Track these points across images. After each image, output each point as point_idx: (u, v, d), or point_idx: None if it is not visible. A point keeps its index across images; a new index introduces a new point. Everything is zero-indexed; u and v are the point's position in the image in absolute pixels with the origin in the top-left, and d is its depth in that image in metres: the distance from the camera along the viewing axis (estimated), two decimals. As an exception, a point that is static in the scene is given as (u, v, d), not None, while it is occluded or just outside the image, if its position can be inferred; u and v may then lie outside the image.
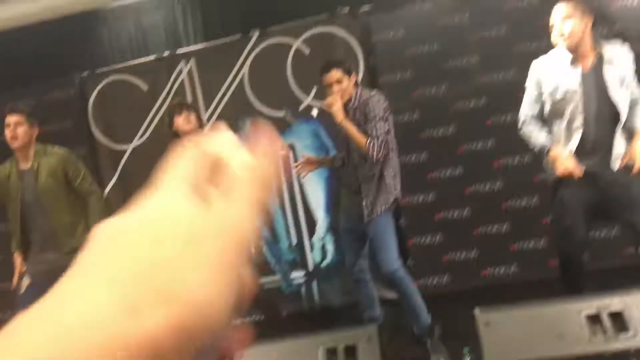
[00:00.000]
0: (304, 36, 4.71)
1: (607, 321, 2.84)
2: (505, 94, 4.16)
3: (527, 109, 3.29)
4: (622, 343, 2.79)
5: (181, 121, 3.58)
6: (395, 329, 3.72)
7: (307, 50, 4.71)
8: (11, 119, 3.50)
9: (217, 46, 4.84)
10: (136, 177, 4.43)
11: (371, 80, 4.59)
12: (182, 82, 4.86)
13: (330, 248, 4.72)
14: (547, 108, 3.21)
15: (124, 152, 4.91)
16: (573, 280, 3.35)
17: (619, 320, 2.84)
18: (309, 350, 3.24)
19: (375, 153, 3.27)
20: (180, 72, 4.86)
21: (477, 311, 3.12)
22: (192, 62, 4.86)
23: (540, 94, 3.22)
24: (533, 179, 4.19)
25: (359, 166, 3.47)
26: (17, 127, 3.49)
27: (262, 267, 4.54)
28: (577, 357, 2.83)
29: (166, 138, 3.62)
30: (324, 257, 4.73)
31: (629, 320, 2.81)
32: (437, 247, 4.56)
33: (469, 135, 4.51)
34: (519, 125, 3.33)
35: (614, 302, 2.90)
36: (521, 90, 3.34)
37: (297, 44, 4.72)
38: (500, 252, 4.48)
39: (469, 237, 4.52)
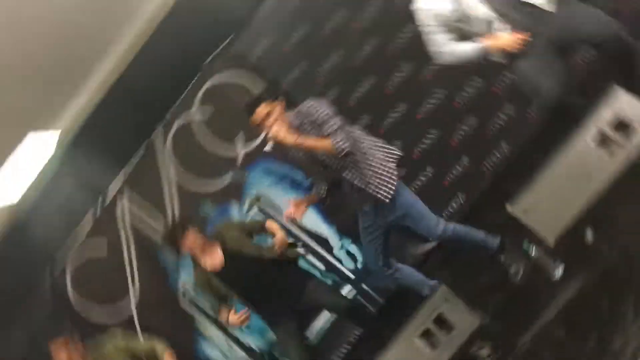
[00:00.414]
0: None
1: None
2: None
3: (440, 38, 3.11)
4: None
5: None
6: (458, 274, 3.74)
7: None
8: None
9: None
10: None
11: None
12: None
13: (353, 249, 4.73)
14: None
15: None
16: None
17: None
18: (408, 345, 3.26)
19: (343, 145, 3.20)
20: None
21: (508, 207, 3.18)
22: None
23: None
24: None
25: (342, 167, 3.37)
26: None
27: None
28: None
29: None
30: (354, 259, 4.74)
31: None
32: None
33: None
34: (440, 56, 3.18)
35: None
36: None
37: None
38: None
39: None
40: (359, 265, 4.73)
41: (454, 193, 4.64)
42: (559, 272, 3.17)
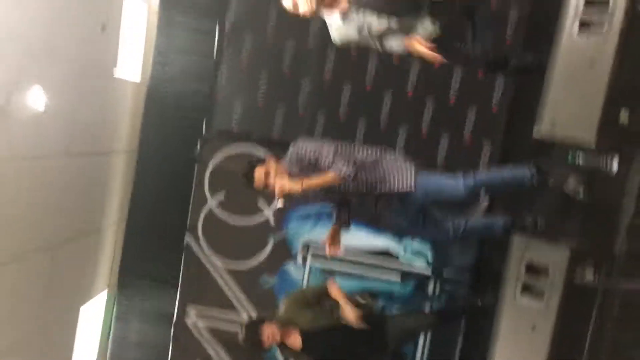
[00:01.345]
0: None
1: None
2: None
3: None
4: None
5: None
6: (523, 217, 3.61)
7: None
8: None
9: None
10: None
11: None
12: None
13: (417, 246, 4.65)
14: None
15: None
16: None
17: None
18: (515, 308, 3.15)
19: (346, 172, 3.19)
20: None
21: (535, 132, 3.10)
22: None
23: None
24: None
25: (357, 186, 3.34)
26: None
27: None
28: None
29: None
30: (423, 255, 4.65)
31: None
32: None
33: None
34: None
35: None
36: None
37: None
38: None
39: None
40: (430, 259, 4.63)
41: (479, 145, 4.55)
42: (615, 164, 3.05)
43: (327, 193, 3.41)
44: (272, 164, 3.27)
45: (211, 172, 4.79)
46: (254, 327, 3.61)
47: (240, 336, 3.66)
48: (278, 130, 4.72)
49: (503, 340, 3.09)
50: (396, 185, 3.32)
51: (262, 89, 4.76)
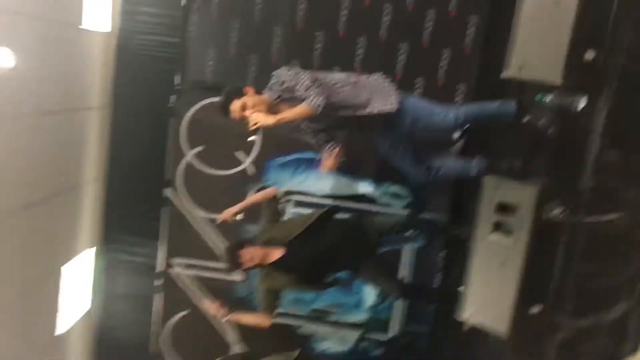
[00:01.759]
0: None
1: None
2: None
3: None
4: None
5: None
6: (495, 157, 3.70)
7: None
8: None
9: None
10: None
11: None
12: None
13: (394, 189, 4.74)
14: None
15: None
16: None
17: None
18: (486, 245, 3.27)
19: (317, 102, 3.17)
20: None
21: (504, 74, 3.13)
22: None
23: None
24: None
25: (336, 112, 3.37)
26: None
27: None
28: None
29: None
30: (400, 197, 4.75)
31: None
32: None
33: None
34: None
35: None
36: None
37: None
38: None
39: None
40: (408, 200, 4.73)
41: (453, 87, 4.58)
42: (581, 103, 3.11)
43: (313, 131, 3.51)
44: (249, 97, 3.29)
45: (187, 124, 4.78)
46: (233, 250, 3.67)
47: (224, 262, 3.73)
48: (252, 80, 4.69)
49: (475, 276, 3.22)
50: (377, 106, 3.36)
51: (234, 38, 4.70)
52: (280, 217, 3.99)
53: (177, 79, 4.78)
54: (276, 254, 3.71)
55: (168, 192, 4.88)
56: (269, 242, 3.76)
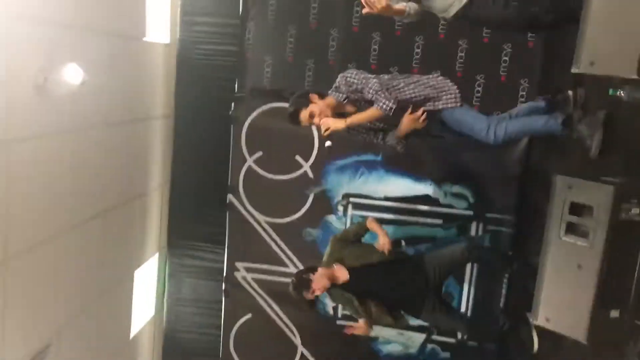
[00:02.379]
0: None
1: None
2: None
3: None
4: None
5: None
6: (564, 159, 3.56)
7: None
8: None
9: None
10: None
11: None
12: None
13: (456, 189, 4.65)
14: None
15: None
16: None
17: None
18: (560, 247, 3.15)
19: (388, 105, 3.21)
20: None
21: (573, 69, 3.01)
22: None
23: None
24: None
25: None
26: None
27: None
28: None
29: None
30: (464, 197, 4.65)
31: None
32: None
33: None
34: None
35: None
36: None
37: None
38: None
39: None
40: (472, 199, 4.63)
41: (516, 82, 4.45)
42: (659, 96, 2.95)
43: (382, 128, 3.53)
44: (315, 105, 3.36)
45: (247, 131, 4.84)
46: (303, 276, 3.70)
47: (291, 287, 3.74)
48: (310, 84, 4.69)
49: (549, 281, 3.10)
50: (441, 103, 3.37)
51: (291, 44, 4.72)
52: (359, 239, 3.97)
53: (236, 87, 4.84)
54: (340, 275, 3.72)
55: (231, 197, 4.95)
56: (335, 261, 3.79)
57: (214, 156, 4.99)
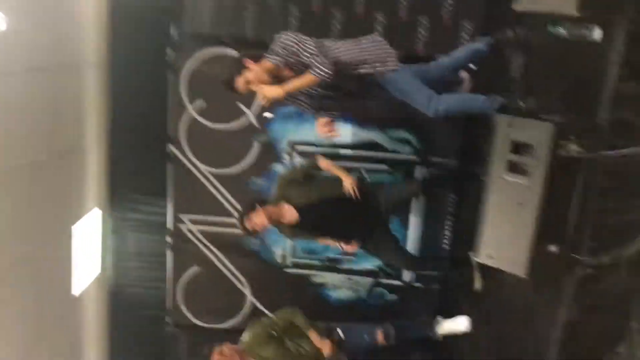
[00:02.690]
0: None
1: None
2: None
3: None
4: None
5: None
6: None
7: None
8: None
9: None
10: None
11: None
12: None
13: (401, 134, 4.66)
14: None
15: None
16: None
17: None
18: (502, 185, 3.20)
19: (324, 71, 3.22)
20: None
21: (515, 6, 2.99)
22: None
23: None
24: None
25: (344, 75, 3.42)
26: None
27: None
28: None
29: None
30: (408, 142, 4.66)
31: None
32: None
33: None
34: None
35: None
36: None
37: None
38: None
39: None
40: (416, 145, 4.65)
41: (457, 25, 4.41)
42: (597, 32, 2.97)
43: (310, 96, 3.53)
44: (251, 71, 3.32)
45: (187, 78, 4.65)
46: (244, 218, 3.77)
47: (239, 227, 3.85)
48: (250, 30, 4.52)
49: (491, 220, 3.17)
50: (378, 65, 3.42)
51: (230, -14, 4.51)
52: (308, 178, 3.99)
53: (173, 31, 4.62)
54: (289, 215, 3.79)
55: (172, 148, 4.80)
56: (282, 199, 3.83)
57: (152, 106, 4.79)
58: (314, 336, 4.02)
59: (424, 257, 4.74)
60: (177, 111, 4.72)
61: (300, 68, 3.33)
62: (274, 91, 3.29)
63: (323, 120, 3.71)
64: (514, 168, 3.11)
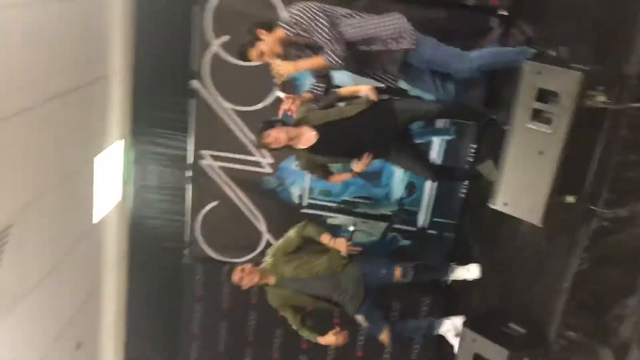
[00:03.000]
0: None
1: None
2: None
3: None
4: None
5: None
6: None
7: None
8: None
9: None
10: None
11: None
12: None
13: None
14: None
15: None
16: None
17: None
18: (525, 133, 3.19)
19: (337, 55, 3.27)
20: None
21: None
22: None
23: None
24: None
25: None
26: None
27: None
28: None
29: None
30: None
31: None
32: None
33: None
34: None
35: None
36: None
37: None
38: None
39: None
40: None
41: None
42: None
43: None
44: (263, 42, 3.42)
45: (213, 13, 4.61)
46: (263, 129, 3.73)
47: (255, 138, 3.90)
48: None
49: (510, 165, 3.17)
50: (395, 45, 3.43)
51: None
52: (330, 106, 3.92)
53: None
54: (307, 136, 3.72)
55: (195, 83, 4.81)
56: (302, 123, 3.76)
57: (177, 40, 4.76)
58: (326, 239, 4.09)
59: (448, 167, 4.63)
60: (201, 46, 4.70)
61: (312, 42, 3.36)
62: (286, 68, 3.38)
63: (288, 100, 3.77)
64: (537, 116, 3.08)
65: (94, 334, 5.35)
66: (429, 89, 3.83)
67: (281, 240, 4.24)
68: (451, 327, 4.43)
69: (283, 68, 3.39)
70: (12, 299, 3.81)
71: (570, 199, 3.15)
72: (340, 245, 4.04)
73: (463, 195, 4.76)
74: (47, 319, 4.38)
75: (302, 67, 3.40)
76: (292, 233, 4.23)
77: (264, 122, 3.79)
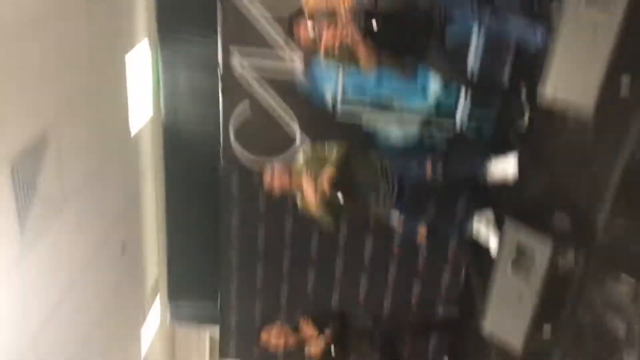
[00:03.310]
0: None
1: None
2: None
3: None
4: None
5: None
6: None
7: None
8: None
9: None
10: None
11: None
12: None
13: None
14: None
15: None
16: None
17: None
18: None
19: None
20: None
21: None
22: None
23: None
24: None
25: None
26: None
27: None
28: None
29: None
30: None
31: None
32: None
33: None
34: None
35: None
36: None
37: None
38: None
39: None
40: None
41: None
42: None
43: None
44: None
45: None
46: (294, 18, 3.58)
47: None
48: None
49: (563, 48, 2.95)
50: None
51: None
52: None
53: None
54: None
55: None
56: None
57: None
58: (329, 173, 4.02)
59: (484, 76, 4.40)
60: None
61: None
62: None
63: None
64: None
65: (137, 238, 5.51)
66: None
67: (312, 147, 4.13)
68: (490, 220, 4.37)
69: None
70: (58, 202, 3.88)
71: (625, 90, 2.93)
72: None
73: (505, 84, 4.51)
74: (92, 224, 4.49)
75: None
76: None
77: (295, 11, 3.58)
